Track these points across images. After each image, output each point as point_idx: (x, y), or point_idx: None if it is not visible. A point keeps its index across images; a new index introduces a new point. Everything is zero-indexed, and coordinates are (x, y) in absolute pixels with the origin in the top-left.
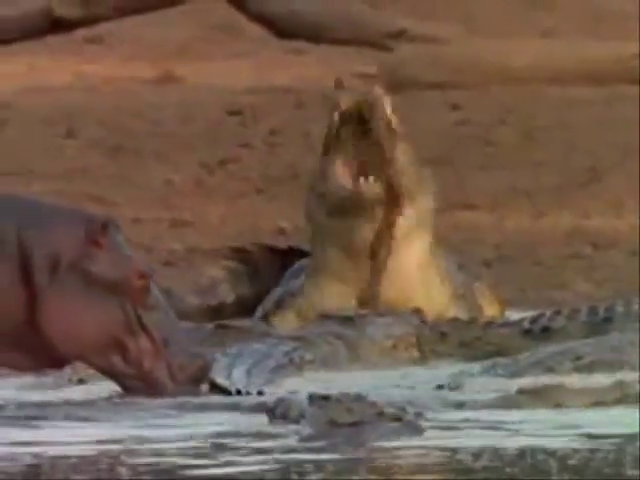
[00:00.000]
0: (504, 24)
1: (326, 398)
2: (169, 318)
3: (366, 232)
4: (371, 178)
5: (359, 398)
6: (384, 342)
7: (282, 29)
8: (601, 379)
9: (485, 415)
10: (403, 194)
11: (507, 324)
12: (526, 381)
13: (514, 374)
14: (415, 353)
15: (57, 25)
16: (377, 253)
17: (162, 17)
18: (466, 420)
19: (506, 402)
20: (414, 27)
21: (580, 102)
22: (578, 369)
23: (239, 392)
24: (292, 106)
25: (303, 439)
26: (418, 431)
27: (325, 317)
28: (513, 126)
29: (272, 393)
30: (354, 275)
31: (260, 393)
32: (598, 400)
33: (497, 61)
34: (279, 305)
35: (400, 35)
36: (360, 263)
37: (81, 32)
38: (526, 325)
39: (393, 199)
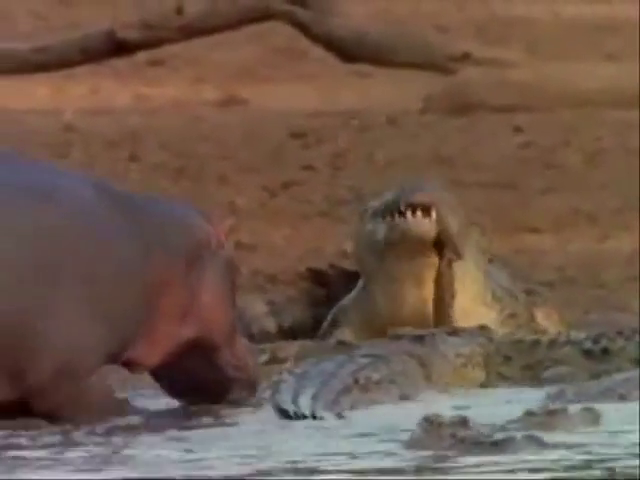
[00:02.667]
0: (568, 47)
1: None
2: None
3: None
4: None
5: (464, 422)
6: (456, 360)
7: (346, 52)
8: None
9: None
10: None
11: (570, 342)
12: None
13: (586, 402)
14: (481, 373)
15: (120, 48)
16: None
17: (226, 40)
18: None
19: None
20: (478, 50)
21: None
22: None
23: (305, 416)
24: (356, 129)
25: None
26: (544, 444)
27: (396, 336)
28: (576, 149)
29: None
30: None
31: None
32: None
33: (561, 84)
34: (333, 324)
35: (464, 58)
36: (410, 282)
37: (144, 55)
38: (587, 345)
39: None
